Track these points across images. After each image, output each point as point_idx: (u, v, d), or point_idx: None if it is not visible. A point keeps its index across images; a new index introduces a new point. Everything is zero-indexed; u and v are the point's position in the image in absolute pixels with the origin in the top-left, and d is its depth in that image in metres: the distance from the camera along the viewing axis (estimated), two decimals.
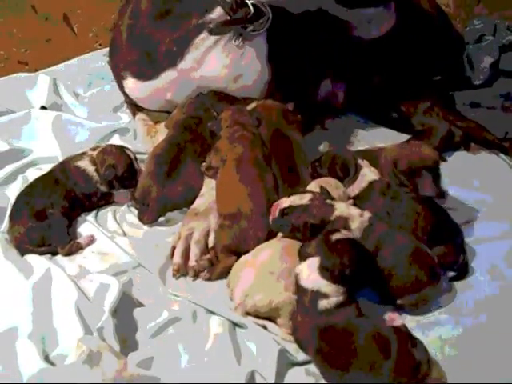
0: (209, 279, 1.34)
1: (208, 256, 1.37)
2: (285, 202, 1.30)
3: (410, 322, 1.22)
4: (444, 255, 1.31)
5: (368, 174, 1.43)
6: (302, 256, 1.16)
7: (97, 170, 1.51)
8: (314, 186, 1.40)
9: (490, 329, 1.23)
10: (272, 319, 1.22)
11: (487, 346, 1.20)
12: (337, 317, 1.09)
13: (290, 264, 1.22)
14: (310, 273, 1.12)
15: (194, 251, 1.37)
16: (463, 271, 1.34)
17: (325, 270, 1.11)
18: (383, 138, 1.81)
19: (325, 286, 1.11)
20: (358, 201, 1.40)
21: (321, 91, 1.91)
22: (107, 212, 1.54)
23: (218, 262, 1.35)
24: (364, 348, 1.06)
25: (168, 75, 1.64)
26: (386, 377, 1.03)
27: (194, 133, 1.57)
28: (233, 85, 1.65)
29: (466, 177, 1.68)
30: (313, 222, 1.25)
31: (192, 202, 1.49)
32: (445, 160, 1.46)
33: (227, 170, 1.45)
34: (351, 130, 1.86)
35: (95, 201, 1.54)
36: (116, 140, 1.78)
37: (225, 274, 1.32)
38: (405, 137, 1.80)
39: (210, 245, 1.39)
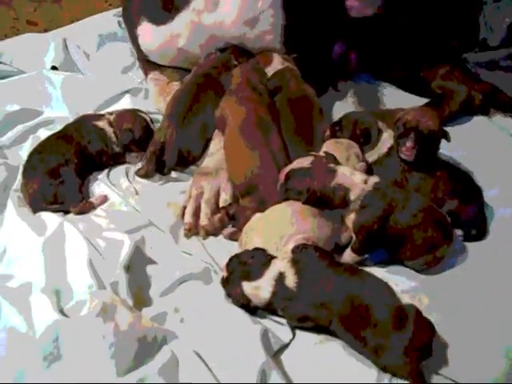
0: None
1: (219, 215, 1.37)
2: (289, 167, 1.28)
3: (420, 282, 1.21)
4: (462, 212, 1.31)
5: (388, 139, 1.41)
6: None
7: (115, 133, 1.54)
8: (325, 146, 1.38)
9: (505, 288, 1.23)
10: None
11: (501, 307, 1.19)
12: None
13: (297, 228, 1.22)
14: None
15: (205, 210, 1.37)
16: (481, 232, 1.34)
17: None
18: (399, 100, 1.78)
19: None
20: (377, 166, 1.39)
21: (333, 52, 1.87)
22: (119, 171, 1.54)
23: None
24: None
25: (182, 18, 1.63)
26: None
27: (215, 80, 1.58)
28: (250, 32, 1.64)
29: (480, 141, 1.66)
30: (315, 187, 1.22)
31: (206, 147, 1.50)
32: (446, 137, 1.39)
33: (232, 134, 1.43)
34: (366, 92, 1.83)
35: (106, 159, 1.54)
36: (127, 100, 1.77)
37: None
38: (422, 100, 1.77)
39: (221, 204, 1.39)
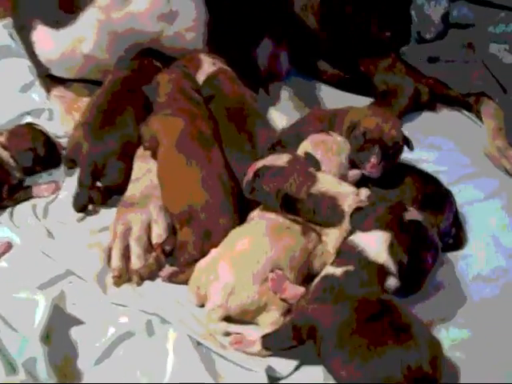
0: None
1: (154, 254, 1.14)
2: (260, 163, 1.09)
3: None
4: (436, 224, 1.15)
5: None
6: (361, 224, 0.97)
7: (12, 156, 1.29)
8: (306, 144, 1.17)
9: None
10: (251, 320, 1.01)
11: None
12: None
13: (275, 252, 1.02)
14: (377, 247, 0.95)
15: (136, 251, 1.14)
16: (459, 242, 1.20)
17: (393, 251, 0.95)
18: (339, 100, 1.60)
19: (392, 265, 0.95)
20: None
21: (261, 53, 1.69)
22: (24, 208, 1.27)
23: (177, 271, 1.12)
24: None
25: (86, 18, 1.36)
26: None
27: (135, 86, 1.34)
28: (168, 28, 1.39)
29: (435, 138, 1.53)
30: (288, 191, 1.02)
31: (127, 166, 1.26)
32: (408, 144, 1.24)
33: (167, 153, 1.20)
34: (303, 95, 1.64)
35: (6, 192, 1.27)
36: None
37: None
38: (365, 100, 1.61)
39: (154, 240, 1.16)
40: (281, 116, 1.51)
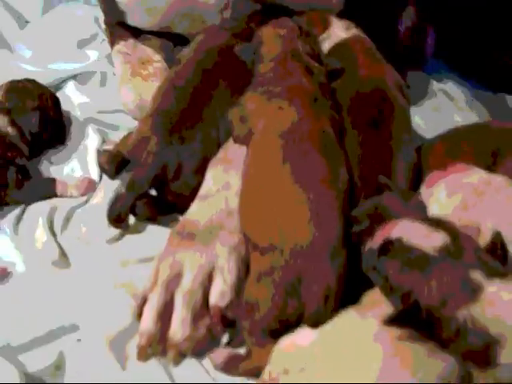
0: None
1: (207, 321, 0.74)
2: (396, 229, 0.64)
3: None
4: None
5: None
6: None
7: (12, 122, 0.92)
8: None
9: None
10: None
11: None
12: None
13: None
14: None
15: (182, 313, 0.73)
16: None
17: None
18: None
19: None
20: None
21: (401, 25, 1.21)
22: (36, 214, 0.88)
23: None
24: None
25: None
26: None
27: (233, 57, 0.93)
28: None
29: None
30: (422, 300, 0.59)
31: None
32: None
33: (265, 154, 0.77)
34: (454, 93, 1.15)
35: (15, 179, 0.88)
36: (70, 89, 1.11)
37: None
38: None
39: (214, 300, 0.74)
40: (423, 124, 1.04)
